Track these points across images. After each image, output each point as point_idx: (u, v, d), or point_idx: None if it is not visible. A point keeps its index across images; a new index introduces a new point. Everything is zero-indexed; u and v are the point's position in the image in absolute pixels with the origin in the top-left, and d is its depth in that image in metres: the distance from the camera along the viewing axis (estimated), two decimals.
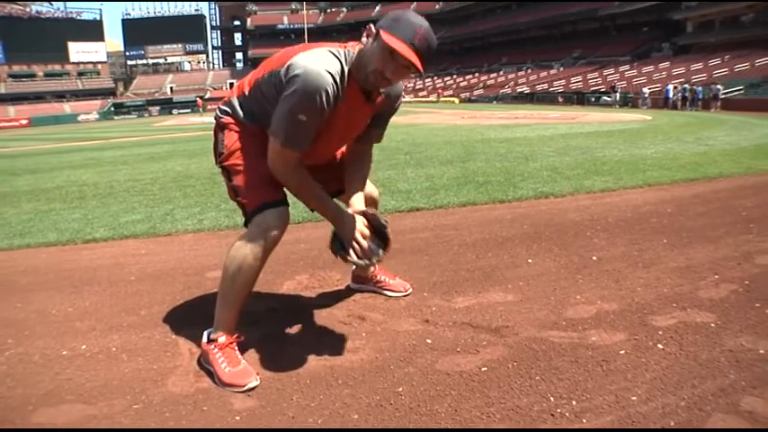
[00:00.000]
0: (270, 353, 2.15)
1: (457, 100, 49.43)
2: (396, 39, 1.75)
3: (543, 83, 47.37)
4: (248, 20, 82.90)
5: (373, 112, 2.10)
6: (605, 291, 2.66)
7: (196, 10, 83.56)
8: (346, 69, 1.88)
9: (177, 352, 2.19)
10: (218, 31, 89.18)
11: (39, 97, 66.48)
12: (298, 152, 1.90)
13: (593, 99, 36.22)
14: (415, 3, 67.89)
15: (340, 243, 2.00)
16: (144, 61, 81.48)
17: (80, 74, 75.01)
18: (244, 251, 1.93)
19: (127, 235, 4.21)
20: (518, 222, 4.08)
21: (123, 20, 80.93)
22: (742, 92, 27.87)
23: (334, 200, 2.14)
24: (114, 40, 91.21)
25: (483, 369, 1.96)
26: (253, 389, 1.89)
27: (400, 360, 2.06)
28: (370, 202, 2.42)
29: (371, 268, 2.70)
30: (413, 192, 5.41)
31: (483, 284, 2.81)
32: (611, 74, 42.15)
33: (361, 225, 2.00)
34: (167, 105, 63.27)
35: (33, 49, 69.22)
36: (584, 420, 1.64)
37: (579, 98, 37.51)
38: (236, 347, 2.02)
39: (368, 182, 2.36)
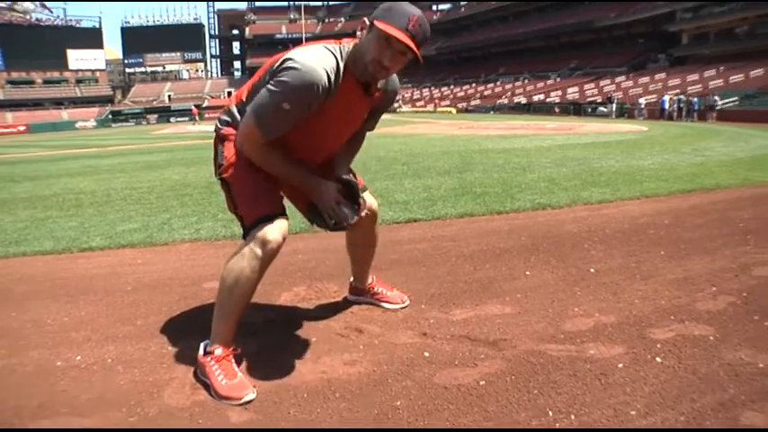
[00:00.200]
0: (267, 365, 2.13)
1: (454, 110, 49.58)
2: (390, 26, 1.78)
3: (540, 93, 47.63)
4: (247, 29, 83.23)
5: (371, 105, 2.12)
6: (603, 303, 2.65)
7: (195, 19, 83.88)
8: (341, 65, 1.89)
9: (173, 364, 2.18)
10: (217, 40, 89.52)
11: (37, 104, 66.49)
12: (267, 138, 1.91)
13: (589, 110, 36.42)
14: None
15: (315, 211, 2.05)
16: (142, 69, 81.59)
17: (78, 81, 75.05)
18: (241, 264, 1.93)
19: (123, 244, 4.19)
20: (516, 234, 4.08)
21: (122, 28, 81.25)
22: (737, 103, 28.10)
23: None
24: (113, 47, 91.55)
25: (481, 383, 1.95)
26: (249, 402, 1.87)
27: (398, 373, 2.05)
28: (371, 215, 2.42)
29: (368, 279, 2.71)
30: (410, 203, 5.40)
31: (481, 297, 2.80)
32: (608, 85, 42.46)
33: (335, 192, 2.02)
34: (165, 113, 63.24)
35: (32, 56, 69.25)
36: None
37: (576, 109, 37.70)
38: (233, 360, 2.01)
39: (368, 193, 2.37)
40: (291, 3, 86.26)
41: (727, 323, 2.37)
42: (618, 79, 43.04)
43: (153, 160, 12.51)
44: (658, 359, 2.07)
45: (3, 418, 1.83)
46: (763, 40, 34.77)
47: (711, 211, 4.68)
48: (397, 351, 2.23)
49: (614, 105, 33.73)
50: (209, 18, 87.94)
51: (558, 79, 50.94)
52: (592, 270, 3.15)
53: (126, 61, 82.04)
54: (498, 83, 57.04)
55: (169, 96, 73.44)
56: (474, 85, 59.40)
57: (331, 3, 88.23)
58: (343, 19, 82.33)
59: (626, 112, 32.63)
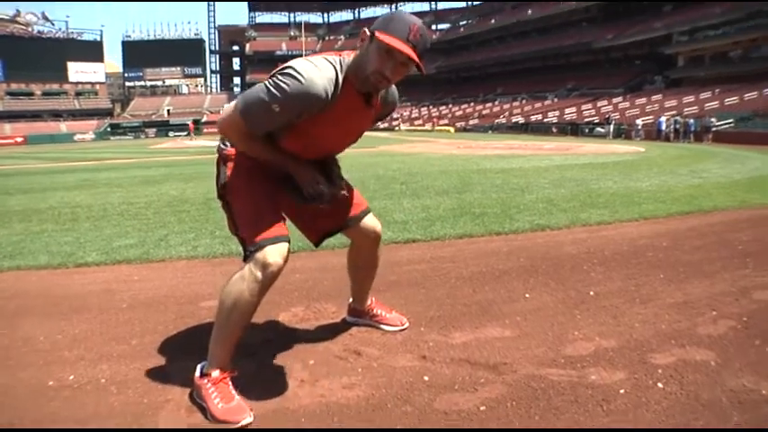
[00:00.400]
0: (264, 387, 2.10)
1: (452, 129, 49.86)
2: (391, 37, 1.78)
3: (538, 113, 47.97)
4: (247, 45, 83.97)
5: (373, 115, 2.13)
6: (603, 327, 2.63)
7: (196, 34, 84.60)
8: (341, 77, 1.89)
9: (169, 385, 2.13)
10: (217, 56, 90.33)
11: (35, 116, 66.61)
12: (250, 130, 1.91)
13: (586, 130, 36.67)
14: None
15: (297, 190, 2.08)
16: (142, 83, 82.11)
17: (78, 93, 75.32)
18: (240, 286, 1.91)
19: (119, 260, 4.15)
20: (515, 255, 4.07)
21: (123, 42, 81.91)
22: (732, 125, 28.35)
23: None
24: (113, 61, 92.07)
25: (482, 408, 1.92)
26: (246, 426, 1.84)
27: (397, 398, 2.01)
28: (373, 237, 2.42)
29: (368, 301, 2.69)
30: (409, 222, 5.39)
31: (480, 319, 2.77)
32: (605, 105, 42.77)
33: (313, 171, 2.04)
34: (164, 127, 63.53)
35: (32, 68, 69.52)
36: None
37: (573, 129, 37.95)
38: (230, 382, 1.98)
39: (371, 215, 2.37)
40: (292, 20, 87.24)
41: (729, 348, 2.35)
42: (615, 100, 43.41)
43: (151, 175, 12.47)
44: (660, 385, 2.05)
45: None
46: (757, 64, 35.26)
47: (710, 234, 4.68)
48: (396, 374, 2.20)
49: (611, 126, 33.97)
50: (209, 33, 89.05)
51: (556, 99, 51.37)
52: (591, 293, 3.14)
53: (126, 75, 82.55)
54: (496, 102, 57.49)
55: (168, 111, 73.69)
56: (472, 104, 59.87)
57: (331, 21, 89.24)
58: (343, 36, 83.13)
59: (623, 132, 32.84)
